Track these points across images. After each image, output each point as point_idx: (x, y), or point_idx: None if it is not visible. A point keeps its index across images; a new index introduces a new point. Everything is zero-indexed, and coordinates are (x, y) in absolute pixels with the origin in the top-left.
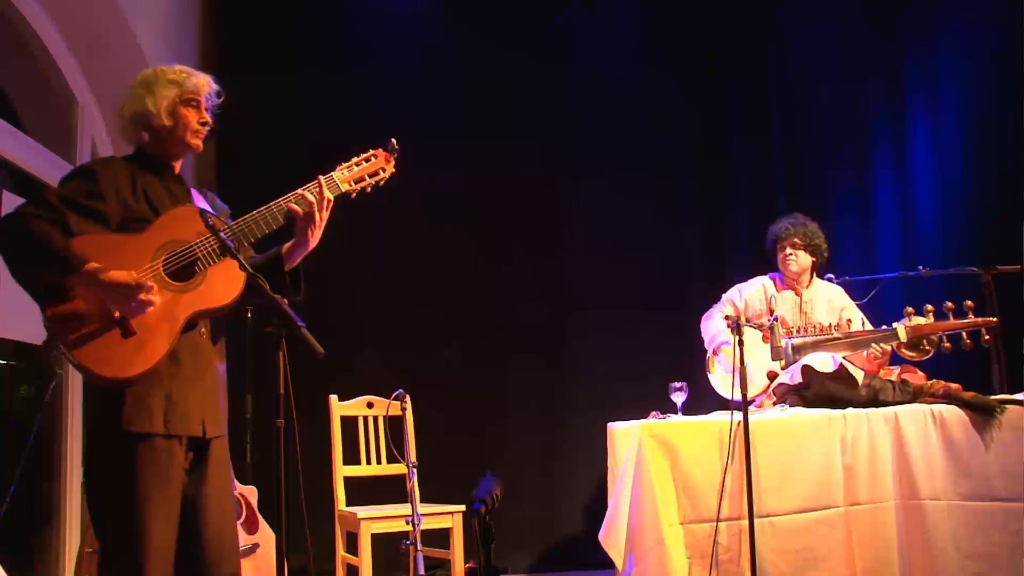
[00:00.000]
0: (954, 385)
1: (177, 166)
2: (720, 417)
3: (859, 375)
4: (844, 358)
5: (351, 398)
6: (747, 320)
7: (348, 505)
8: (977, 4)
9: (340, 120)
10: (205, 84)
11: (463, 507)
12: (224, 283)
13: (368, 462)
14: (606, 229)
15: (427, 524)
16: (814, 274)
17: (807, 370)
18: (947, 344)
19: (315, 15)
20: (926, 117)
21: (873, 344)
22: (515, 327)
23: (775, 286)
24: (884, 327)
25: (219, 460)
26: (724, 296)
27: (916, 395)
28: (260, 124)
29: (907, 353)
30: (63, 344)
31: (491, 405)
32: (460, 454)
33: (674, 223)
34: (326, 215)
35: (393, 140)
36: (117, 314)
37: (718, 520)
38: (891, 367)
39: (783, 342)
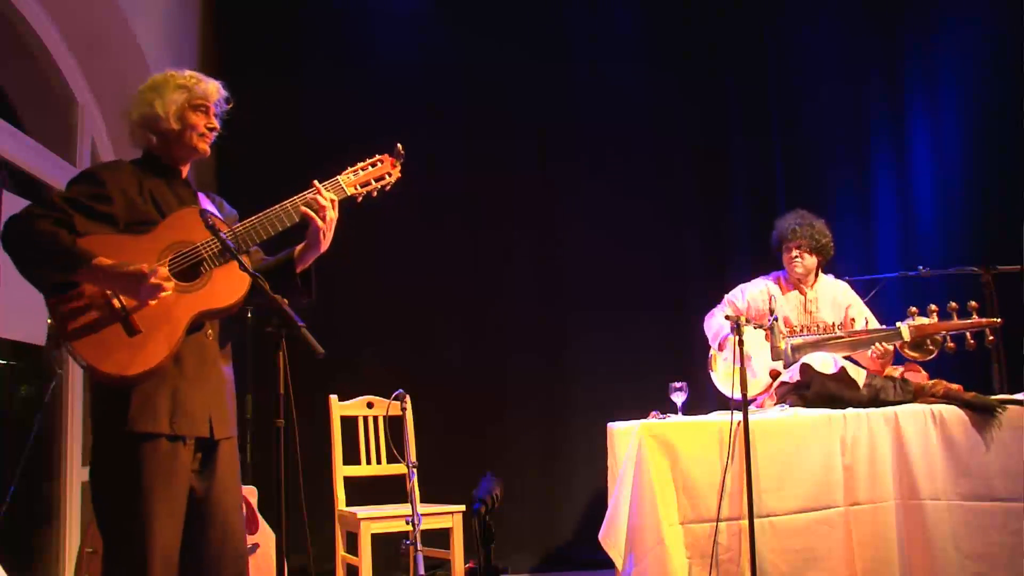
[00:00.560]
0: (954, 385)
1: (185, 170)
2: (720, 417)
3: (860, 376)
4: (846, 357)
5: (351, 398)
6: (748, 320)
7: (348, 505)
8: (977, 4)
9: (340, 120)
10: (215, 90)
11: (463, 507)
12: (229, 284)
13: (368, 462)
14: (606, 229)
15: (427, 524)
16: (819, 272)
17: (806, 368)
18: (951, 344)
19: (315, 15)
20: (926, 117)
21: (876, 344)
22: (515, 327)
23: (780, 285)
24: (887, 326)
25: (228, 462)
26: (726, 296)
27: (916, 395)
28: (260, 124)
29: (910, 353)
30: (68, 341)
31: (491, 405)
32: (460, 454)
33: (674, 223)
34: (335, 217)
35: (399, 145)
36: (122, 312)
37: (718, 520)
38: (894, 366)
39: (783, 343)
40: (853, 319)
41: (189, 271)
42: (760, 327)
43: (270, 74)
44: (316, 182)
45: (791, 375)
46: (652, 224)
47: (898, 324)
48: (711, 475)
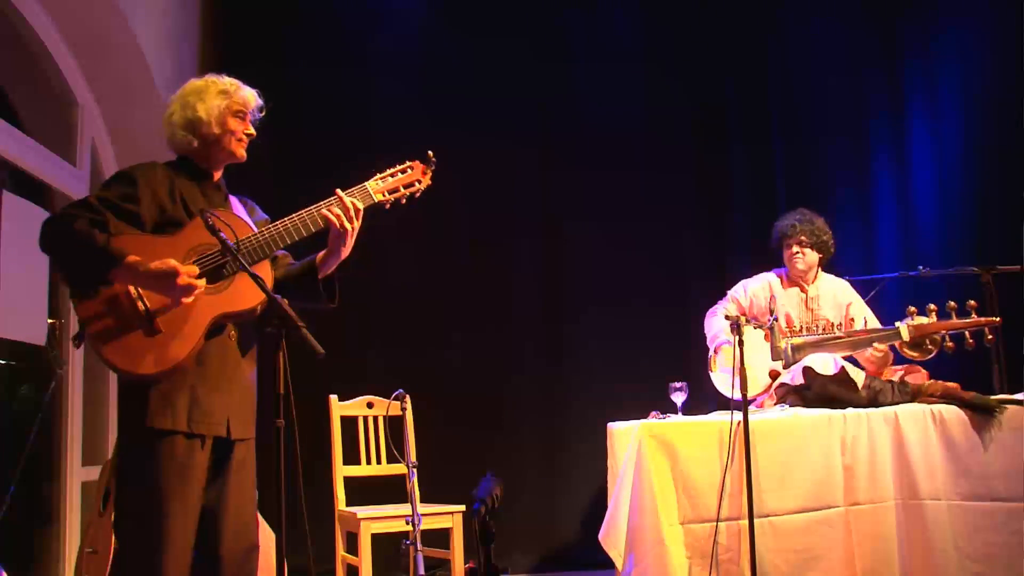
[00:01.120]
0: (953, 384)
1: (217, 174)
2: (720, 417)
3: (860, 378)
4: (846, 358)
5: (351, 398)
6: (748, 320)
7: (348, 505)
8: (977, 4)
9: (341, 119)
10: (252, 98)
11: (463, 507)
12: (251, 287)
13: (368, 462)
14: (606, 229)
15: (427, 524)
16: (820, 269)
17: (808, 372)
18: (950, 344)
19: (315, 15)
20: (926, 117)
21: (873, 347)
22: (515, 327)
23: (781, 283)
24: (886, 326)
25: (243, 463)
26: (729, 293)
27: (915, 395)
28: (260, 124)
29: (910, 352)
30: (91, 339)
31: (491, 405)
32: (460, 454)
33: (674, 223)
34: (358, 224)
35: (430, 152)
36: (145, 312)
37: (718, 520)
38: (894, 367)
39: (783, 343)
40: (852, 318)
41: (213, 273)
42: (760, 327)
43: (270, 74)
44: (339, 191)
45: (792, 377)
46: (652, 224)
47: (897, 324)
48: (711, 475)
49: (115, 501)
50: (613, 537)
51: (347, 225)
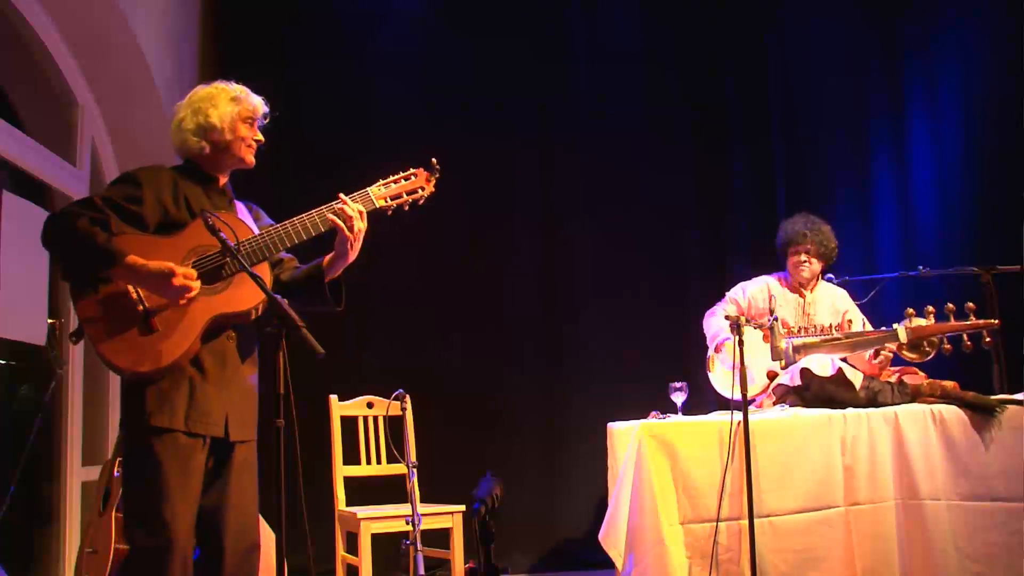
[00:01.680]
0: (953, 384)
1: (223, 179)
2: (720, 417)
3: (857, 379)
4: (843, 359)
5: (351, 398)
6: (748, 320)
7: (348, 505)
8: (977, 4)
9: (341, 119)
10: (260, 105)
11: (463, 507)
12: (249, 289)
13: (368, 462)
14: (606, 229)
15: (427, 524)
16: (821, 276)
17: (806, 373)
18: (947, 346)
19: (315, 15)
20: (926, 117)
21: (883, 350)
22: (515, 327)
23: (780, 286)
24: (884, 328)
25: (243, 464)
26: (728, 294)
27: (914, 396)
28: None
29: (908, 354)
30: (89, 335)
31: (491, 405)
32: (460, 454)
33: (674, 223)
34: (364, 227)
35: (434, 160)
36: (141, 308)
37: (718, 520)
38: (891, 368)
39: (783, 342)
40: (850, 321)
41: (212, 274)
42: (760, 327)
43: (270, 74)
44: (342, 195)
45: (790, 378)
46: (652, 224)
47: (895, 326)
48: (711, 475)
49: (122, 498)
50: (613, 537)
51: (356, 226)
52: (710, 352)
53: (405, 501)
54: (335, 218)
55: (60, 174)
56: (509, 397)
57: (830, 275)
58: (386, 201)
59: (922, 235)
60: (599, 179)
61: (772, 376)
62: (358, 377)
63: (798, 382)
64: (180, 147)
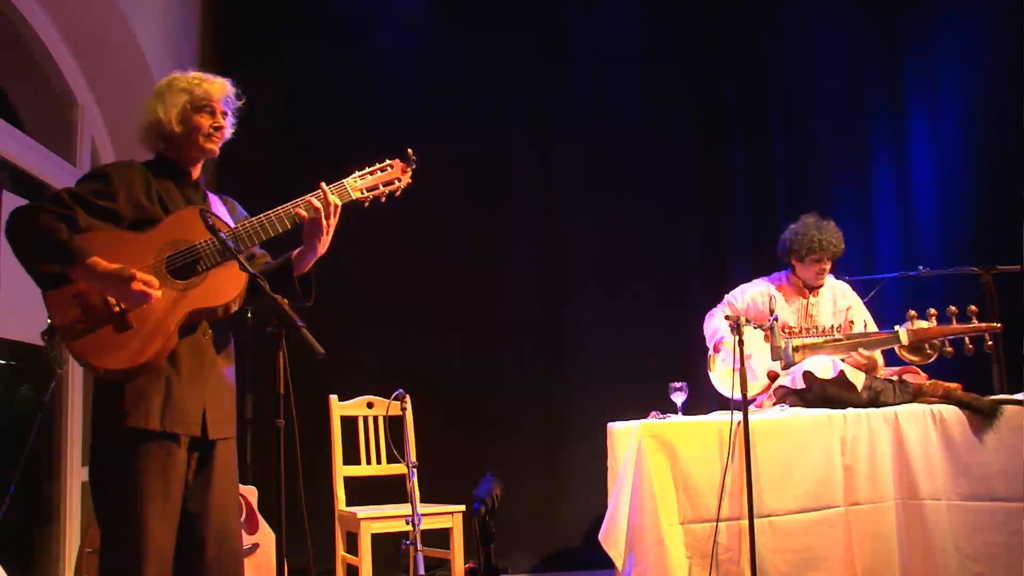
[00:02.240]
0: (953, 385)
1: (195, 171)
2: (720, 417)
3: (859, 380)
4: (843, 360)
5: (351, 398)
6: (748, 320)
7: (348, 505)
8: (977, 4)
9: (341, 119)
10: (219, 89)
11: (463, 507)
12: (225, 283)
13: (368, 462)
14: (606, 229)
15: (427, 524)
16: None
17: (808, 376)
18: (949, 348)
19: (315, 15)
20: (926, 117)
21: (857, 351)
22: (515, 327)
23: (781, 289)
24: (885, 330)
25: (224, 463)
26: (726, 297)
27: (916, 395)
28: (260, 123)
29: (909, 356)
30: (61, 334)
31: (491, 405)
32: (460, 454)
33: (674, 223)
34: (334, 222)
35: (410, 151)
36: (117, 308)
37: (718, 520)
38: (891, 368)
39: (783, 343)
40: (852, 321)
41: (186, 269)
42: (760, 327)
43: (270, 74)
44: (323, 184)
45: (792, 380)
46: (652, 224)
47: (896, 328)
48: (711, 475)
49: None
50: (613, 537)
51: (324, 221)
52: (710, 351)
53: (405, 501)
54: (302, 211)
55: (60, 174)
56: (509, 397)
57: (830, 274)
58: (362, 193)
59: (922, 235)
60: (599, 179)
61: (773, 376)
62: (358, 377)
63: (801, 385)
64: (142, 145)
